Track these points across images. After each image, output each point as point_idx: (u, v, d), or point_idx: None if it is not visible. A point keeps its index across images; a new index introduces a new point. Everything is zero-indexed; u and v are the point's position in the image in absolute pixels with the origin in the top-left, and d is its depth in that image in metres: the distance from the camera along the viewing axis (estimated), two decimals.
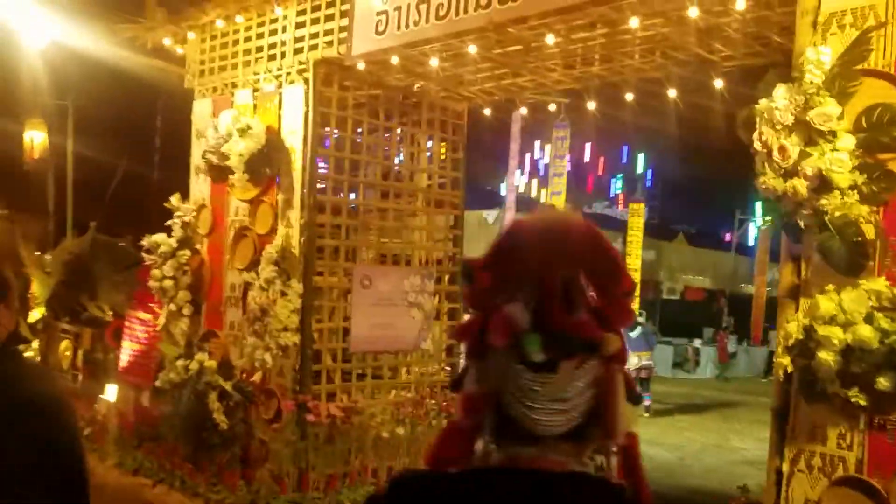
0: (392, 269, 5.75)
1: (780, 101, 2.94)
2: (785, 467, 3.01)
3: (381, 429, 5.44)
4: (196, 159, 6.04)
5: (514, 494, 1.12)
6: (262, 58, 5.64)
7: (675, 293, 20.96)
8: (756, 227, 28.86)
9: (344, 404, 5.28)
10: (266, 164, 5.34)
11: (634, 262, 15.72)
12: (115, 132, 11.74)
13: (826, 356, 2.74)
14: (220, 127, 5.42)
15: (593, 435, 1.16)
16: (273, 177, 5.39)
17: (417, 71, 5.42)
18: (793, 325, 2.89)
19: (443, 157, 6.14)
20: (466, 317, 1.28)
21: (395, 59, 4.97)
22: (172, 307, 5.82)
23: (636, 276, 15.76)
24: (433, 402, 5.84)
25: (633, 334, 12.02)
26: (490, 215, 11.94)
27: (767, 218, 28.29)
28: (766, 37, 4.62)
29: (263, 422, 5.24)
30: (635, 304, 15.54)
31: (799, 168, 2.86)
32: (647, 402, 11.78)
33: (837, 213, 2.83)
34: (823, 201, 2.84)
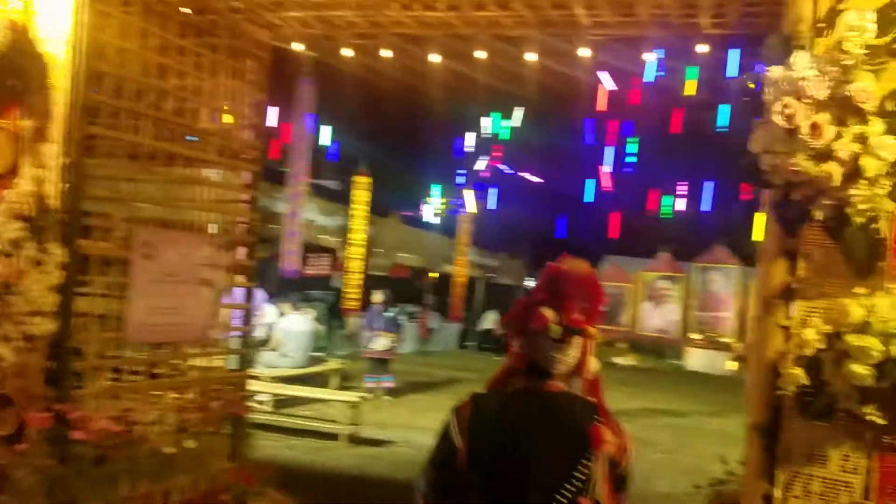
0: (182, 235, 4.44)
1: (806, 70, 2.50)
2: (777, 493, 2.62)
3: (162, 442, 4.18)
4: None
5: (537, 400, 2.18)
6: None
7: (381, 269, 20.97)
8: (434, 209, 30.27)
9: (117, 414, 3.92)
10: (9, 73, 3.72)
11: (358, 237, 15.18)
12: None
13: (860, 370, 2.37)
14: None
15: (577, 374, 2.22)
16: (18, 93, 3.78)
17: None
18: (810, 332, 2.48)
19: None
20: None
21: None
22: None
23: (362, 252, 15.28)
24: (218, 403, 4.68)
25: (387, 315, 11.49)
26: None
27: (444, 200, 29.88)
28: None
29: None
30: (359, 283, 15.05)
31: (833, 150, 2.44)
32: (389, 385, 11.32)
33: (863, 206, 2.47)
34: (854, 191, 2.46)
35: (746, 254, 25.17)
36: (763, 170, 2.62)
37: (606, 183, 30.81)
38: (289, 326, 10.24)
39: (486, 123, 31.07)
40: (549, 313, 2.13)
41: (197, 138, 4.62)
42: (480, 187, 29.98)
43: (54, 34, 3.75)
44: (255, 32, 4.94)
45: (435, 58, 5.32)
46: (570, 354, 2.16)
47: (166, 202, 4.44)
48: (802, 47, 2.62)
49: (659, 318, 23.94)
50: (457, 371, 16.08)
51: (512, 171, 31.78)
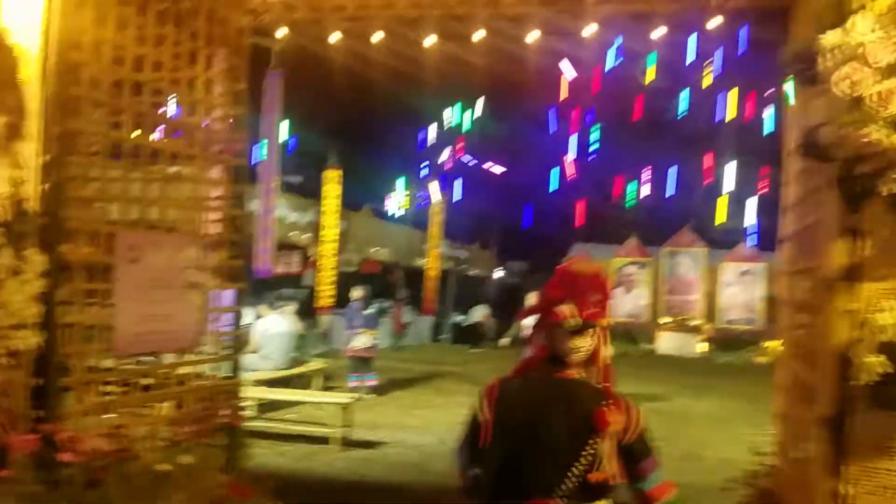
0: (166, 236, 4.13)
1: (867, 34, 2.31)
2: (849, 489, 2.45)
3: (154, 458, 3.88)
4: None
5: (553, 386, 2.43)
6: None
7: (352, 265, 20.61)
8: (400, 202, 29.88)
9: (107, 431, 3.62)
10: None
11: (330, 232, 14.81)
12: None
13: None
14: None
15: (591, 362, 2.46)
16: None
17: None
18: (888, 317, 2.30)
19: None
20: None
21: None
22: None
23: (335, 248, 14.95)
24: (212, 413, 4.40)
25: (368, 312, 11.19)
26: None
27: (410, 193, 29.59)
28: None
29: None
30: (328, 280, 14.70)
31: None
32: (373, 383, 11.02)
33: None
34: None
35: (712, 237, 25.40)
36: (824, 143, 2.44)
37: (571, 171, 30.84)
38: (268, 327, 9.89)
39: (450, 115, 30.89)
40: (566, 309, 2.38)
41: (178, 133, 4.30)
42: (447, 179, 29.77)
43: (24, 24, 3.43)
44: (235, 19, 4.63)
45: (400, 47, 5.08)
46: (585, 345, 2.41)
47: (149, 202, 4.12)
48: (857, 11, 2.43)
49: (629, 303, 23.96)
50: (435, 365, 15.86)
51: (477, 162, 31.61)
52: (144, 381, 4.16)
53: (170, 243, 4.14)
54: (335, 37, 4.85)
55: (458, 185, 30.60)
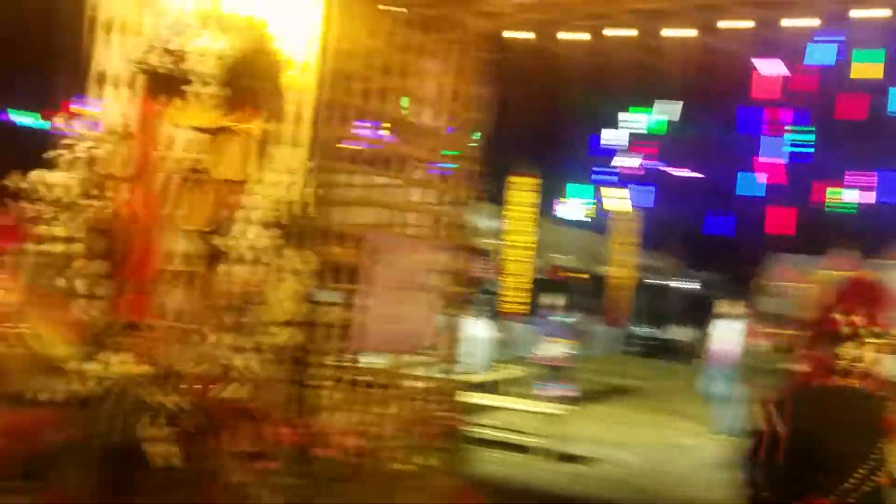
0: (409, 240, 4.21)
1: None
2: None
3: (388, 458, 3.95)
4: (106, 63, 4.09)
5: (841, 394, 2.51)
6: None
7: (538, 272, 20.50)
8: (579, 207, 29.20)
9: (352, 428, 3.72)
10: (250, 75, 3.60)
11: (519, 238, 14.72)
12: None
13: None
14: (172, 15, 3.58)
15: (870, 372, 2.50)
16: (257, 95, 3.65)
17: None
18: None
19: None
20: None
21: None
22: (79, 286, 3.86)
23: (522, 254, 14.87)
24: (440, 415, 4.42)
25: (563, 321, 11.05)
26: None
27: (592, 201, 28.39)
28: None
29: (233, 457, 3.54)
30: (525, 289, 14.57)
31: None
32: (568, 393, 10.77)
33: None
34: None
35: None
36: None
37: (774, 176, 28.63)
38: (470, 332, 9.93)
39: (626, 117, 29.77)
40: (840, 318, 2.49)
41: (425, 139, 4.37)
42: (635, 184, 28.76)
43: (292, 33, 3.60)
44: (476, 25, 4.62)
45: (595, 50, 4.88)
46: (865, 354, 2.49)
47: (395, 206, 4.21)
48: None
49: None
50: (622, 378, 15.31)
51: (668, 167, 30.28)
52: (380, 381, 4.25)
53: (411, 247, 4.21)
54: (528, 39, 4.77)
55: (646, 191, 29.56)
